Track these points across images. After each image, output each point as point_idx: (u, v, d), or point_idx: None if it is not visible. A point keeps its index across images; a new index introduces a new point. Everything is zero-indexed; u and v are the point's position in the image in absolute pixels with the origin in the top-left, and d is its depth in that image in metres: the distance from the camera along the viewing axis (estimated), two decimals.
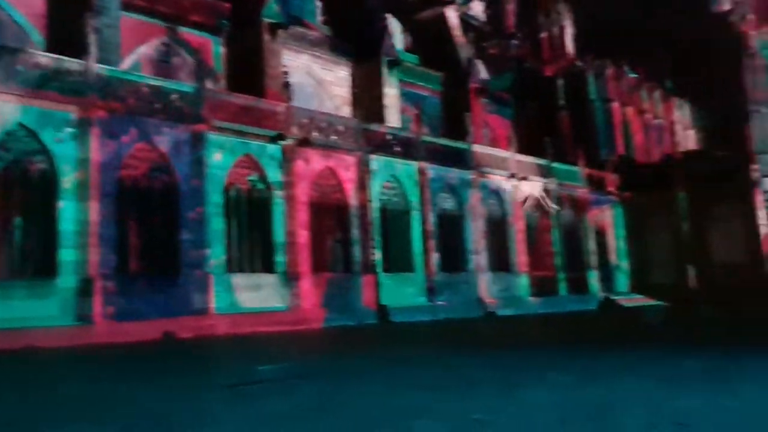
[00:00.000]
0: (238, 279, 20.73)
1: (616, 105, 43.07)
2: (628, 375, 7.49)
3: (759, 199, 33.46)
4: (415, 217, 26.60)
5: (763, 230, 33.23)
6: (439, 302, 26.03)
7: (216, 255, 20.07)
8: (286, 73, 27.73)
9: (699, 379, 7.14)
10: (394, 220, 26.22)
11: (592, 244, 35.40)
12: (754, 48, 38.40)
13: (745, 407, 5.31)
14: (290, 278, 21.75)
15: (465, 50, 39.15)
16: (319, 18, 34.41)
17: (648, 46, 49.34)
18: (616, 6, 56.51)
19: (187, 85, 21.14)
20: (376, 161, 25.31)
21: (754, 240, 33.75)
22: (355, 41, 32.79)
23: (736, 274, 33.48)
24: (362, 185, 24.61)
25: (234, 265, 20.85)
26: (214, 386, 7.74)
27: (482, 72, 39.19)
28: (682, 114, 51.32)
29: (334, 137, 24.21)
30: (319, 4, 34.40)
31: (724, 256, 34.72)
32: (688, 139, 50.92)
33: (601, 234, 36.62)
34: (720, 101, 46.54)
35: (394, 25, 35.91)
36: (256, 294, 20.86)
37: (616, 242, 37.39)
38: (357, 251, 24.23)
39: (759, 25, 54.93)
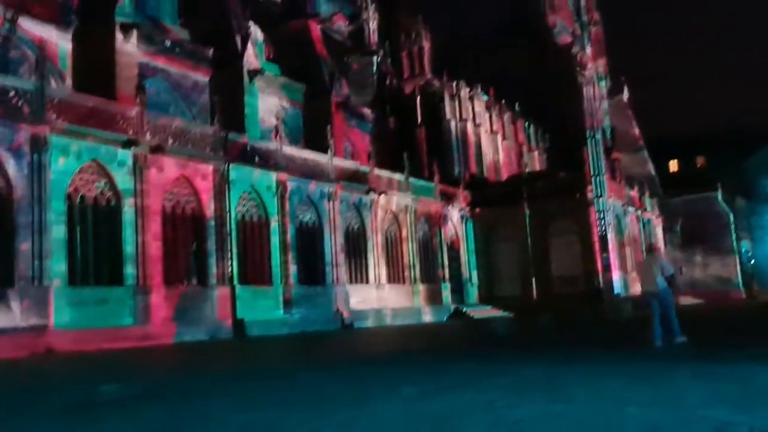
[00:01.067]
0: (82, 292, 19.46)
1: (469, 125, 45.24)
2: (472, 385, 7.84)
3: (593, 217, 36.51)
4: (274, 228, 26.32)
5: (596, 246, 36.27)
6: (297, 315, 25.89)
7: (57, 266, 18.71)
8: (139, 75, 26.51)
9: (538, 386, 7.59)
10: (252, 232, 25.81)
11: (445, 258, 36.85)
12: (591, 78, 41.97)
13: (577, 411, 5.72)
14: (140, 291, 20.73)
15: (327, 64, 39.46)
16: (179, 21, 33.21)
17: (500, 71, 52.39)
18: (471, 30, 59.60)
19: (26, 82, 19.61)
20: (235, 171, 24.81)
21: (589, 254, 36.76)
22: (216, 47, 32.01)
23: (573, 286, 36.32)
24: (219, 195, 24.00)
25: (78, 278, 19.57)
26: (47, 410, 7.17)
27: (344, 86, 39.70)
28: (528, 136, 54.91)
29: (190, 145, 23.45)
30: (178, 6, 33.20)
31: (563, 269, 37.54)
32: (534, 160, 54.53)
33: (453, 248, 38.20)
34: (562, 125, 50.26)
35: (256, 33, 35.44)
36: (102, 308, 19.68)
37: (467, 256, 39.16)
38: (212, 263, 23.57)
39: (596, 57, 60.23)
